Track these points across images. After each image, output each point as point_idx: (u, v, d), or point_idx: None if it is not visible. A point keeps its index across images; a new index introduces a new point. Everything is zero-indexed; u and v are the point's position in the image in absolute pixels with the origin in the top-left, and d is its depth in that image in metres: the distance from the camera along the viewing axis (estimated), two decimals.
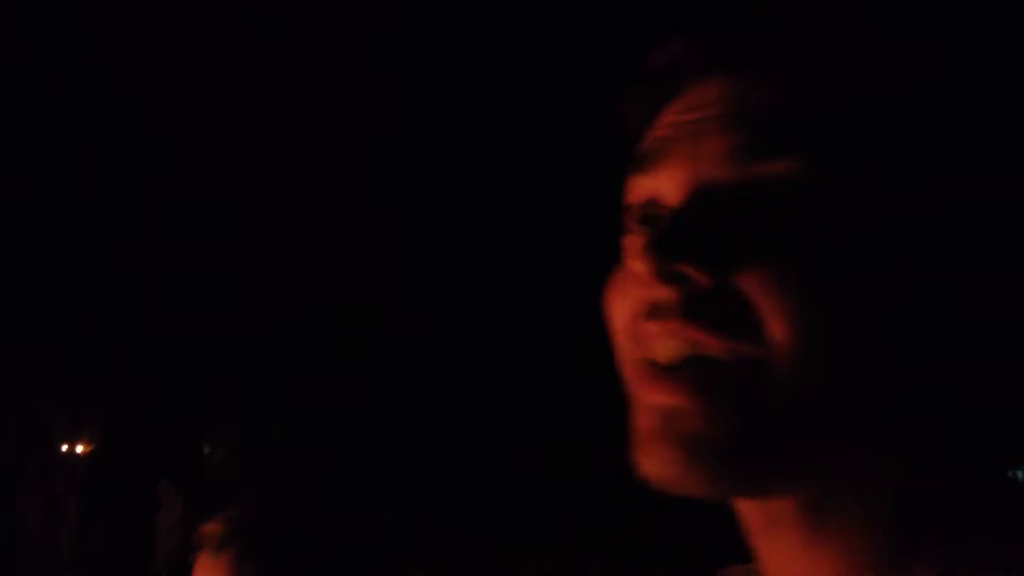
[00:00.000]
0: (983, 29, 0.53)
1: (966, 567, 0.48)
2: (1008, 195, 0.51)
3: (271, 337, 5.56)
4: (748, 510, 0.54)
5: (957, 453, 0.52)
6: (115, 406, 4.52)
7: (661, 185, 0.54)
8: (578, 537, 4.81)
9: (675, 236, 0.50)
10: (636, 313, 0.53)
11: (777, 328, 0.48)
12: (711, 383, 0.50)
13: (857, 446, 0.50)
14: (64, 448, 4.24)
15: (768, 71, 0.53)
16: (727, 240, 0.50)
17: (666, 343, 0.51)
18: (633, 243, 0.54)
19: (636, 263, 0.51)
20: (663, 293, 0.51)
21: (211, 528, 1.26)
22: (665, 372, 0.51)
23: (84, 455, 4.28)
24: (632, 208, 0.56)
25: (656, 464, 0.50)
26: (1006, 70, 0.52)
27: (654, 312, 0.52)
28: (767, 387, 0.49)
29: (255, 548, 1.24)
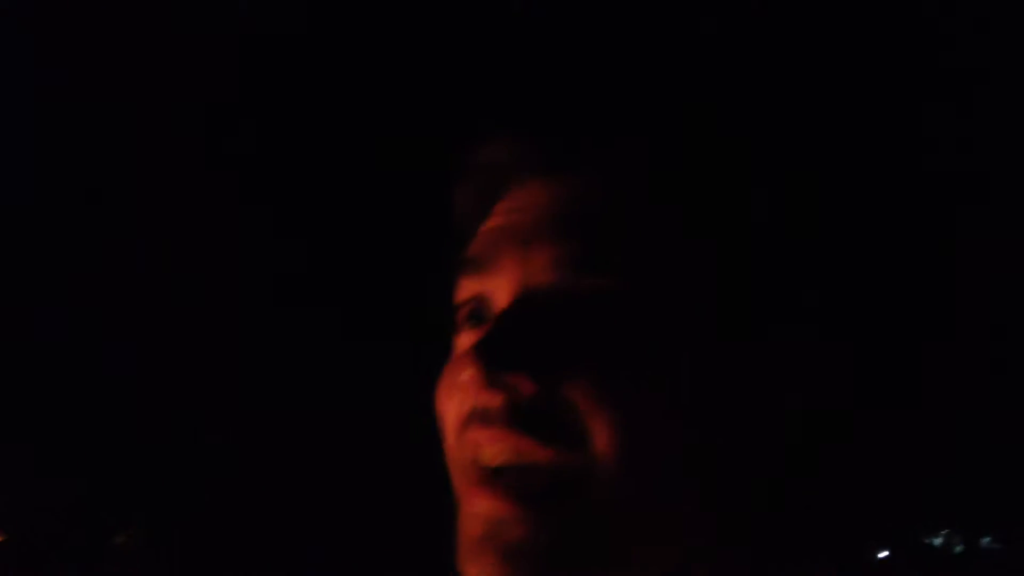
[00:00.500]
0: (788, 152, 0.56)
1: None
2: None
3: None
4: None
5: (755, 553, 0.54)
6: (18, 493, 4.40)
7: (490, 287, 0.55)
8: None
9: (502, 343, 0.51)
10: (464, 416, 0.53)
11: (598, 438, 0.49)
12: (534, 491, 0.50)
13: (673, 546, 0.51)
14: None
15: (590, 180, 0.54)
16: (553, 349, 0.50)
17: (492, 448, 0.51)
18: (462, 343, 0.56)
19: (464, 367, 0.51)
20: (489, 399, 0.51)
21: None
22: (491, 477, 0.51)
23: None
24: (461, 307, 0.57)
25: (479, 572, 0.50)
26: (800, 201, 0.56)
27: (481, 417, 0.51)
28: (589, 495, 0.49)
29: None
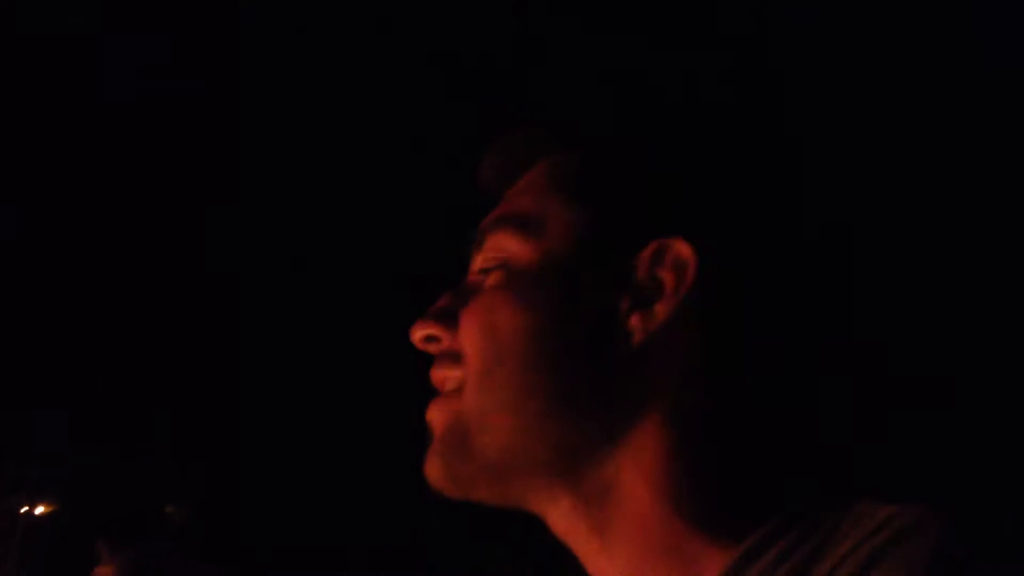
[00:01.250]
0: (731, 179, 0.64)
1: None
2: None
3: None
4: (554, 526, 0.63)
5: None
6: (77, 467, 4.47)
7: (479, 259, 0.68)
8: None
9: (437, 307, 0.67)
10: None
11: (468, 358, 0.64)
12: (441, 401, 0.66)
13: (544, 445, 0.61)
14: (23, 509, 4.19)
15: (585, 163, 0.67)
16: (457, 309, 0.66)
17: (434, 377, 0.67)
18: None
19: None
20: (430, 347, 0.68)
21: (103, 571, 1.29)
22: (433, 399, 0.67)
23: (27, 515, 4.21)
24: (472, 276, 0.69)
25: (428, 470, 0.65)
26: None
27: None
28: (464, 395, 0.64)
29: None
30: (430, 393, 0.67)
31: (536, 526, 0.64)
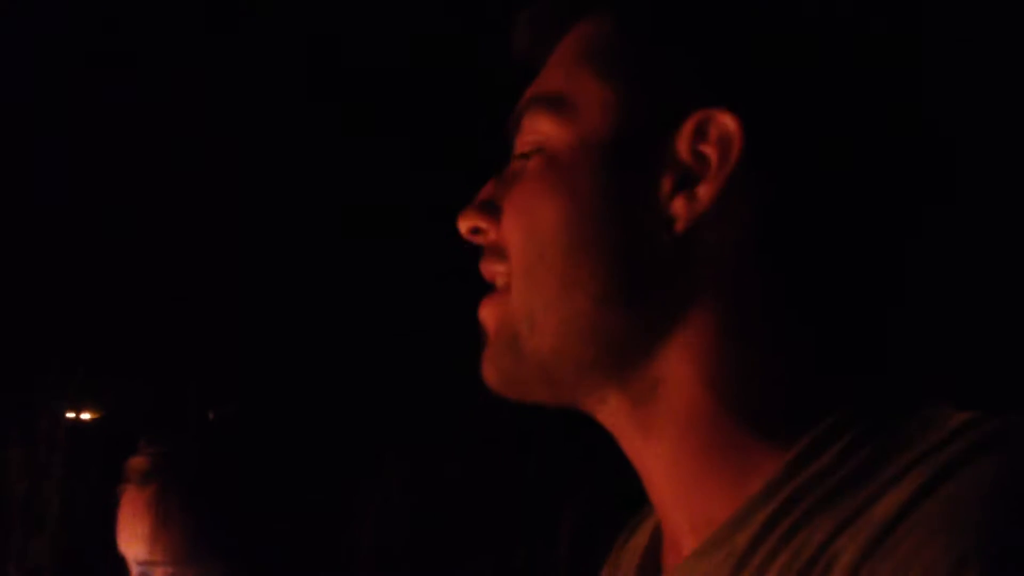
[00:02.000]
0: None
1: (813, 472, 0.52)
2: None
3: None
4: (604, 424, 0.62)
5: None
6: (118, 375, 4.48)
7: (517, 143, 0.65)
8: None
9: (481, 196, 0.66)
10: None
11: (510, 253, 0.62)
12: (492, 300, 0.64)
13: (599, 341, 0.58)
14: (67, 416, 4.21)
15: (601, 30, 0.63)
16: (500, 198, 0.64)
17: (483, 272, 0.66)
18: None
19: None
20: (477, 239, 0.66)
21: (137, 461, 1.25)
22: (486, 297, 0.66)
23: (72, 422, 4.24)
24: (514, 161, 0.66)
25: (484, 372, 0.63)
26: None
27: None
28: (511, 293, 0.62)
29: (179, 482, 1.22)
30: (486, 288, 0.66)
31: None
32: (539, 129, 0.61)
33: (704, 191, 0.56)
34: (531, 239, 0.60)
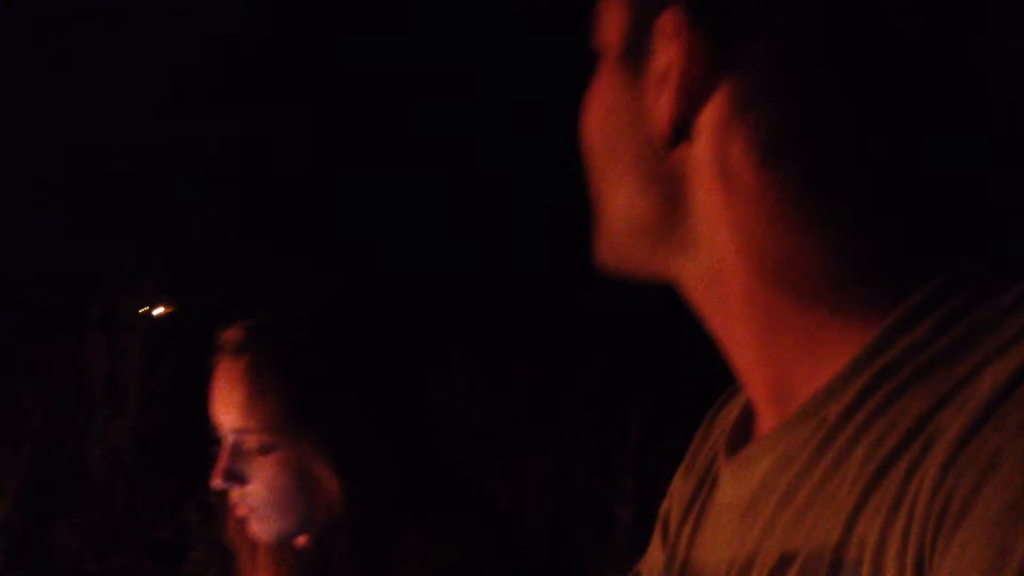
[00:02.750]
0: None
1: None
2: None
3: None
4: (694, 308, 0.62)
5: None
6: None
7: None
8: None
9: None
10: None
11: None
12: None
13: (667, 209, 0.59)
14: (144, 308, 4.31)
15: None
16: None
17: None
18: None
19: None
20: None
21: (232, 333, 1.26)
22: None
23: (146, 315, 4.33)
24: None
25: (594, 253, 0.65)
26: None
27: None
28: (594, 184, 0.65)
29: (272, 353, 1.24)
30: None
31: None
32: (597, 35, 0.64)
33: (667, 98, 0.56)
34: (584, 140, 0.64)
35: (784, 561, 0.51)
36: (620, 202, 0.62)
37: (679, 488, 0.75)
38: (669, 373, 4.09)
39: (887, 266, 0.53)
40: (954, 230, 0.54)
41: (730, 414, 0.70)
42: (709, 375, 0.77)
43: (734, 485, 0.61)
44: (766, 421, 0.59)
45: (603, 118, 0.62)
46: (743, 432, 0.65)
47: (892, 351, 0.50)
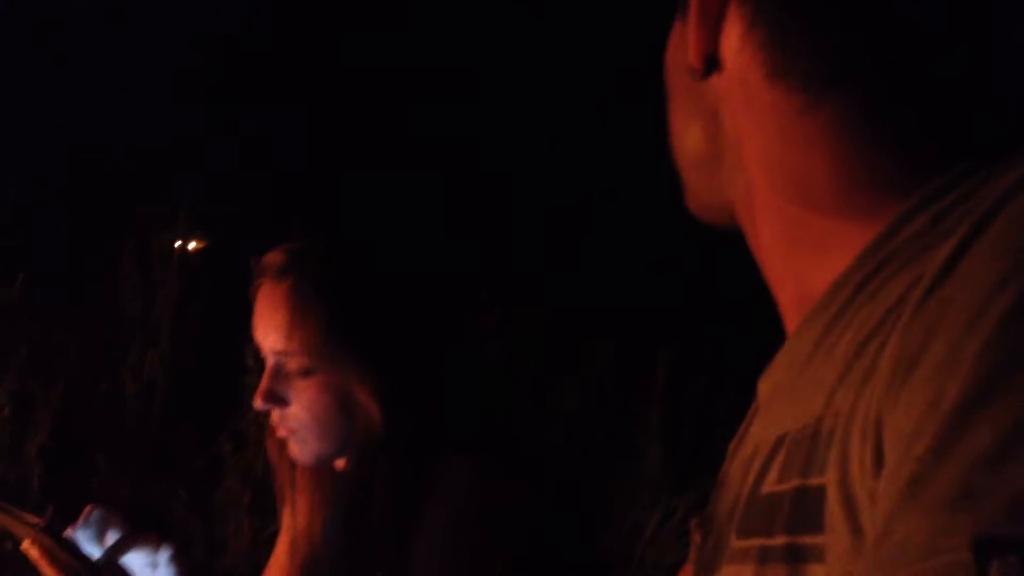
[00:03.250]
0: None
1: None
2: None
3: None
4: (747, 236, 0.65)
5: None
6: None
7: None
8: None
9: None
10: None
11: None
12: None
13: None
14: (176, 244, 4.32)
15: None
16: None
17: None
18: None
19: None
20: None
21: (273, 256, 1.27)
22: None
23: (180, 250, 4.35)
24: None
25: (686, 198, 0.68)
26: None
27: None
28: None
29: (313, 276, 1.24)
30: None
31: None
32: None
33: (691, 30, 0.60)
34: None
35: (777, 443, 0.54)
36: (680, 140, 0.66)
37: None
38: (695, 318, 4.11)
39: (891, 172, 0.54)
40: (954, 133, 0.55)
41: None
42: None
43: (760, 397, 0.64)
44: (791, 328, 0.62)
45: (666, 63, 0.67)
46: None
47: (889, 245, 0.52)
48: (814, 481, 0.48)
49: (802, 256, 0.59)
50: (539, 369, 4.28)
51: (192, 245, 4.43)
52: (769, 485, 0.53)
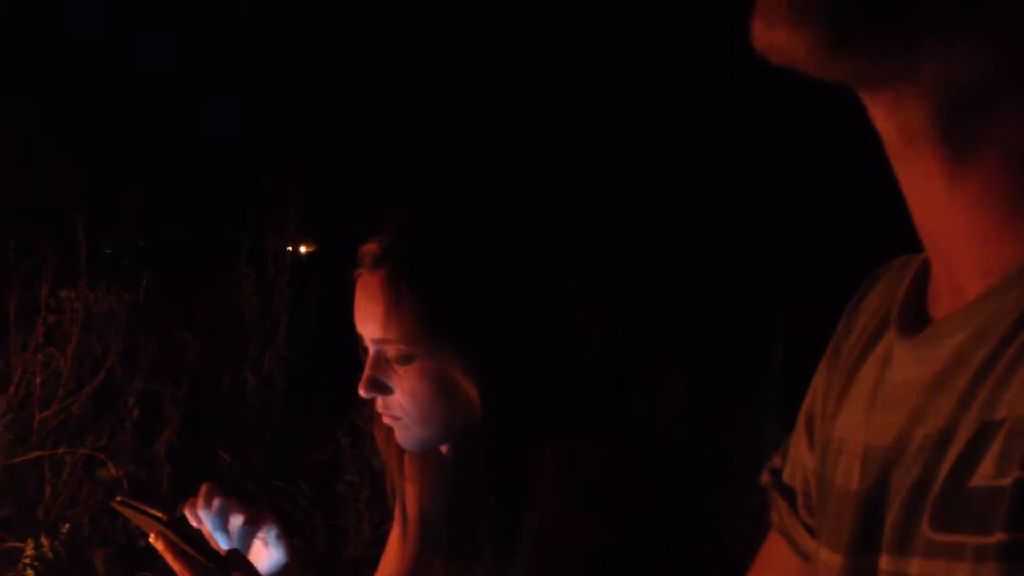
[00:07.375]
0: None
1: None
2: None
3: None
4: (887, 128, 0.53)
5: None
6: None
7: None
8: None
9: None
10: None
11: None
12: None
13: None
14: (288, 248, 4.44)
15: None
16: None
17: None
18: None
19: None
20: None
21: (369, 247, 1.28)
22: None
23: (292, 254, 4.45)
24: None
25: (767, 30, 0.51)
26: None
27: None
28: None
29: (408, 265, 1.25)
30: None
31: None
32: None
33: None
34: None
35: (985, 431, 0.49)
36: None
37: (823, 382, 0.74)
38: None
39: None
40: None
41: (884, 303, 0.68)
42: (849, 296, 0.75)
43: (916, 364, 0.58)
44: (967, 294, 0.55)
45: None
46: (912, 316, 0.61)
47: None
48: None
49: (1004, 225, 0.51)
50: (645, 350, 4.24)
51: (303, 250, 4.53)
52: (982, 479, 0.49)
